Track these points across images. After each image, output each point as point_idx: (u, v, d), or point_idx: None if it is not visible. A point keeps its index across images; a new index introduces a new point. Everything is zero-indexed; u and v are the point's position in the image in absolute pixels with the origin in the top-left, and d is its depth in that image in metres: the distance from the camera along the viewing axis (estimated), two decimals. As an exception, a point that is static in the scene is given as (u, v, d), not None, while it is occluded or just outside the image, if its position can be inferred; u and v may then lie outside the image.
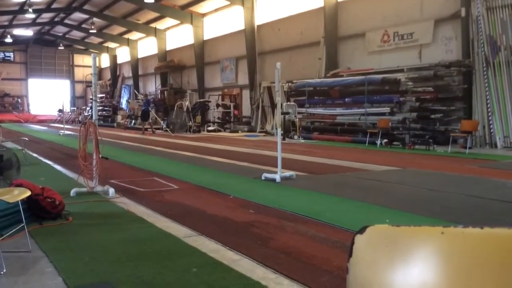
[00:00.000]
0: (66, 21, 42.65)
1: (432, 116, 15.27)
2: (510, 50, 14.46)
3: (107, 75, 50.10)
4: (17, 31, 45.14)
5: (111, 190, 6.80)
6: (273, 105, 22.79)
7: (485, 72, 14.67)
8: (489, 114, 14.51)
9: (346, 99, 18.38)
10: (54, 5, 36.80)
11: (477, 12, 14.95)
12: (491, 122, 14.47)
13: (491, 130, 14.46)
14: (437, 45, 16.92)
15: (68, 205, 5.70)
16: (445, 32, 16.71)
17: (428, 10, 17.25)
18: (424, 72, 15.94)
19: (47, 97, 50.88)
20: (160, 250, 4.17)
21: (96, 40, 47.26)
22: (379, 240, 0.96)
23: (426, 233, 0.92)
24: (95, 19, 38.51)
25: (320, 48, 21.61)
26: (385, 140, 15.34)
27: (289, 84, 20.95)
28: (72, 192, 6.73)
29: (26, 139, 13.93)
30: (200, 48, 32.23)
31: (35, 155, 12.65)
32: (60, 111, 37.14)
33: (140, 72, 42.87)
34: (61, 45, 50.22)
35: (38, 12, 37.38)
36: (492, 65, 14.65)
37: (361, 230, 0.98)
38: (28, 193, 4.38)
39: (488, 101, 14.57)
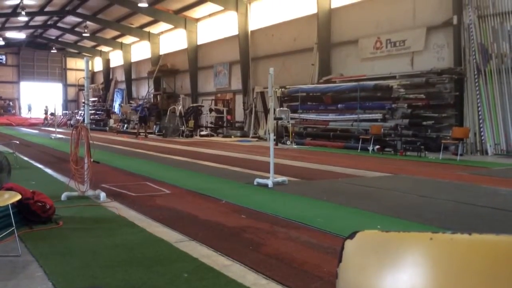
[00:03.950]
0: (59, 24, 42.56)
1: (424, 123, 15.37)
2: (501, 59, 14.60)
3: (100, 79, 49.98)
4: (10, 34, 44.97)
5: (102, 195, 6.76)
6: (266, 110, 22.83)
7: (476, 80, 14.80)
8: (480, 121, 14.62)
9: (339, 105, 18.46)
10: (47, 8, 36.71)
11: (468, 20, 15.09)
12: (482, 129, 14.58)
13: (482, 137, 14.56)
14: (429, 53, 17.06)
15: (59, 209, 5.67)
16: (437, 39, 16.84)
17: (420, 17, 17.39)
18: (416, 79, 16.05)
19: (39, 100, 50.62)
20: (151, 255, 4.15)
21: (89, 43, 47.16)
22: (368, 246, 0.96)
23: (415, 239, 0.92)
24: (88, 22, 38.46)
25: (313, 54, 21.70)
26: (377, 146, 15.40)
27: (282, 89, 21.00)
28: (63, 196, 6.69)
29: (17, 142, 13.84)
30: (194, 52, 32.25)
31: (26, 158, 12.56)
32: (52, 114, 36.99)
33: (133, 76, 42.80)
34: (53, 48, 50.08)
35: (31, 15, 37.26)
36: (483, 73, 14.78)
37: (351, 236, 0.99)
38: (19, 197, 4.35)
39: (479, 109, 14.69)
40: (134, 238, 4.73)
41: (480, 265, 0.84)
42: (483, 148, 14.51)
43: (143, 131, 26.33)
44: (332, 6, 21.19)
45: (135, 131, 27.12)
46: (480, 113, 14.66)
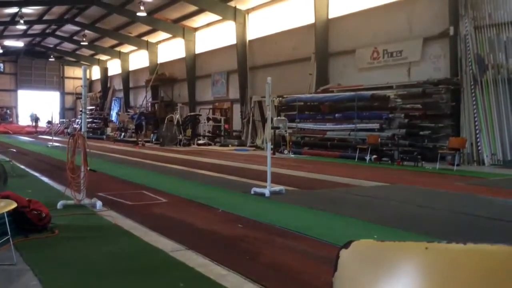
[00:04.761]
0: (58, 32, 42.65)
1: (421, 132, 15.39)
2: (498, 69, 14.68)
3: (98, 87, 50.02)
4: (8, 42, 45.01)
5: (99, 203, 6.74)
6: (264, 120, 22.85)
7: (473, 90, 14.86)
8: (477, 131, 14.66)
9: (336, 115, 18.49)
10: (46, 17, 36.81)
11: (465, 31, 15.19)
12: (478, 139, 14.61)
13: (479, 148, 14.59)
14: (426, 63, 17.14)
15: (55, 218, 5.64)
16: (433, 50, 16.94)
17: (417, 28, 17.50)
18: (412, 89, 16.10)
19: (37, 108, 50.49)
20: (146, 264, 4.13)
21: (87, 52, 47.24)
22: (363, 255, 0.96)
23: (410, 248, 0.93)
24: (86, 31, 38.56)
25: (311, 64, 21.78)
26: (374, 156, 15.41)
27: (280, 98, 21.04)
28: (59, 204, 6.66)
29: (14, 150, 13.81)
30: (192, 61, 32.35)
31: (22, 166, 12.52)
32: (49, 122, 36.93)
33: (131, 85, 42.85)
34: (52, 56, 50.08)
35: (30, 23, 37.33)
36: (479, 83, 14.84)
37: (346, 245, 0.99)
38: (14, 205, 4.33)
39: (476, 119, 14.73)
40: (130, 247, 4.71)
41: (475, 274, 0.85)
42: (480, 158, 14.53)
43: (140, 139, 26.38)
44: (330, 17, 21.31)
45: (134, 139, 27.18)
46: (476, 123, 14.70)
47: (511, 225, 6.02)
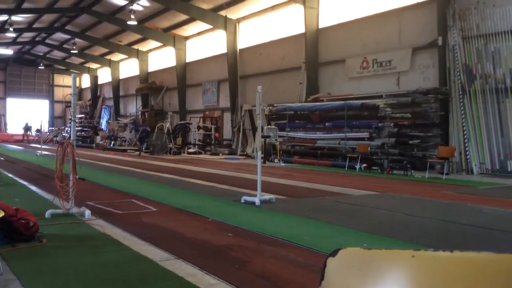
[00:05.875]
0: (47, 40, 42.46)
1: (410, 141, 15.50)
2: (485, 79, 14.86)
3: (88, 95, 49.79)
4: (-3, 50, 44.74)
5: (87, 212, 6.68)
6: (254, 128, 22.87)
7: (461, 100, 15.02)
8: (466, 140, 14.79)
9: (326, 124, 18.58)
10: (36, 25, 36.64)
11: (453, 42, 15.38)
12: (467, 148, 14.75)
13: (467, 157, 14.72)
14: (415, 73, 17.31)
15: (43, 227, 5.57)
16: (422, 60, 17.11)
17: (406, 38, 17.68)
18: (402, 98, 16.24)
19: (26, 116, 50.08)
20: (136, 274, 4.09)
21: (77, 60, 47.07)
22: (351, 263, 0.96)
23: (397, 256, 0.93)
24: (76, 39, 38.45)
25: (301, 73, 21.89)
26: (364, 165, 15.48)
27: (270, 107, 21.10)
28: (47, 213, 6.59)
29: (2, 159, 13.67)
30: (182, 70, 32.36)
31: (10, 175, 12.39)
32: (38, 131, 36.66)
33: (121, 93, 42.71)
34: (41, 64, 49.81)
35: (19, 31, 37.14)
36: (468, 93, 15.01)
37: (333, 253, 0.99)
38: (1, 214, 4.29)
39: (464, 128, 14.87)
40: (118, 257, 4.67)
41: (461, 282, 0.85)
42: (469, 167, 14.65)
43: (139, 149, 26.70)
44: (320, 26, 21.47)
45: (123, 148, 27.23)
46: (465, 132, 14.84)
47: (500, 234, 6.07)
